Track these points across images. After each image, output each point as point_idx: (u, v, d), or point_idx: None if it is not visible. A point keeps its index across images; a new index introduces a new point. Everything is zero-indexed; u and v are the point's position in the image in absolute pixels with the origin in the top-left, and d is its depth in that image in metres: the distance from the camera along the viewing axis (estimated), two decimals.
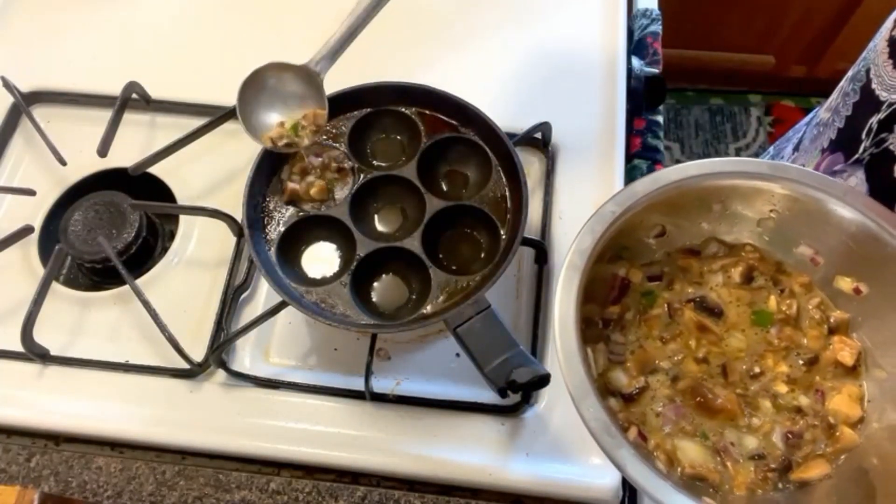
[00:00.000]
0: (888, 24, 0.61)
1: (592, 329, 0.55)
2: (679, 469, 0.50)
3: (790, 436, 0.51)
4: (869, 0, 1.66)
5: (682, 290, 0.56)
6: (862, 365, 0.53)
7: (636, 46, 0.92)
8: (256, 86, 0.70)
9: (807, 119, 0.84)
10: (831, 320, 0.54)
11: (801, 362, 0.53)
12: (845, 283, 0.54)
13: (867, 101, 0.62)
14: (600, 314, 0.56)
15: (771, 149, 0.95)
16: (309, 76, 0.69)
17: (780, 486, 0.50)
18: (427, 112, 0.75)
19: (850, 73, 0.68)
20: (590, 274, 0.51)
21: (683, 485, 0.45)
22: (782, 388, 0.52)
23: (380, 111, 0.76)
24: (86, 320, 0.75)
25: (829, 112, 0.72)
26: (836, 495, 0.49)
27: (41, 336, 0.71)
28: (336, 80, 0.74)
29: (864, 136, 0.62)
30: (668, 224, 0.57)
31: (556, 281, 0.50)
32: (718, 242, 0.58)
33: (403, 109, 0.75)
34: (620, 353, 0.55)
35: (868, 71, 0.62)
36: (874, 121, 0.60)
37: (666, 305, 0.55)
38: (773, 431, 0.51)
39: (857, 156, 0.63)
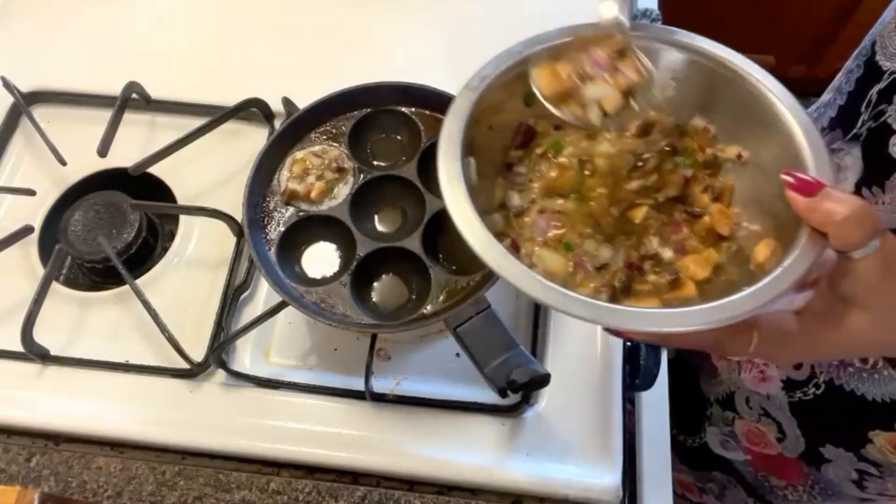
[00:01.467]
0: None
1: (493, 167, 0.56)
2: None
3: (635, 268, 0.53)
4: (869, 0, 1.66)
5: (586, 144, 0.57)
6: (730, 237, 0.54)
7: None
8: None
9: (809, 110, 0.84)
10: (717, 185, 0.55)
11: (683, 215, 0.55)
12: (731, 151, 0.55)
13: (870, 72, 0.61)
14: (503, 157, 0.57)
15: None
16: None
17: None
18: (427, 112, 0.75)
19: (855, 52, 0.67)
20: (493, 111, 0.52)
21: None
22: (653, 241, 0.54)
23: (380, 111, 0.76)
24: (86, 320, 0.75)
25: (831, 92, 0.71)
26: None
27: (41, 336, 0.71)
28: (337, 81, 0.74)
29: (863, 108, 0.61)
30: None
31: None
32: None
33: (403, 109, 0.75)
34: (521, 182, 0.56)
35: (874, 44, 0.62)
36: (874, 91, 0.60)
37: (577, 160, 0.56)
38: (622, 257, 0.53)
39: (854, 130, 0.62)
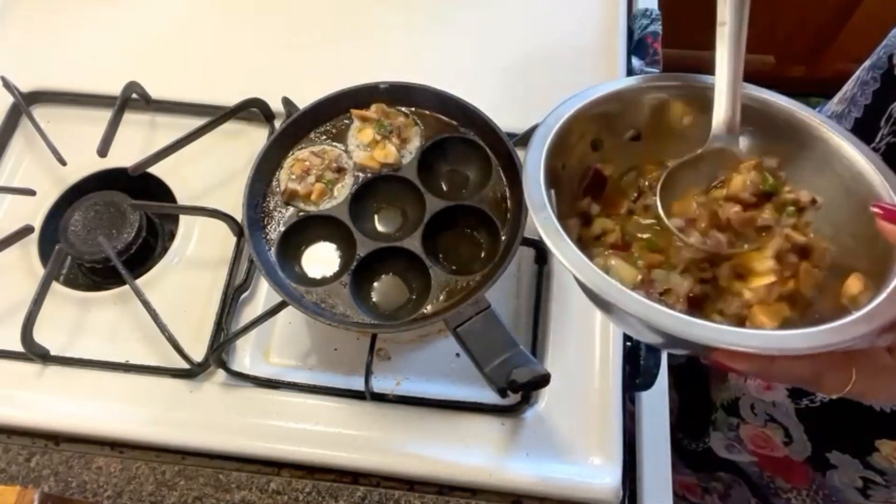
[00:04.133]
0: None
1: (565, 206, 0.56)
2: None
3: (692, 296, 0.51)
4: (869, 0, 1.66)
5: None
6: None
7: (636, 46, 0.92)
8: None
9: None
10: (811, 244, 0.53)
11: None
12: (804, 196, 0.53)
13: (888, 86, 0.61)
14: (573, 203, 0.57)
15: None
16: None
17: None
18: (427, 112, 0.75)
19: (867, 63, 0.67)
20: (565, 151, 0.52)
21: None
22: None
23: None
24: (86, 320, 0.75)
25: (843, 103, 0.71)
26: None
27: (41, 336, 0.71)
28: (337, 81, 0.74)
29: (882, 123, 0.61)
30: (643, 130, 0.57)
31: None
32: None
33: (404, 109, 0.75)
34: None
35: (890, 57, 0.61)
36: (894, 107, 0.60)
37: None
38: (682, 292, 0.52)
39: (872, 145, 0.62)
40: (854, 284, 0.47)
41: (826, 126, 0.52)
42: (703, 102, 0.54)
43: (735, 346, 0.42)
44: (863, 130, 0.65)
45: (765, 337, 0.43)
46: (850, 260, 0.50)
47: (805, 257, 0.52)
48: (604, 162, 0.57)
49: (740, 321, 0.49)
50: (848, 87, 0.71)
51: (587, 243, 0.54)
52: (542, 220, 0.47)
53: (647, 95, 0.56)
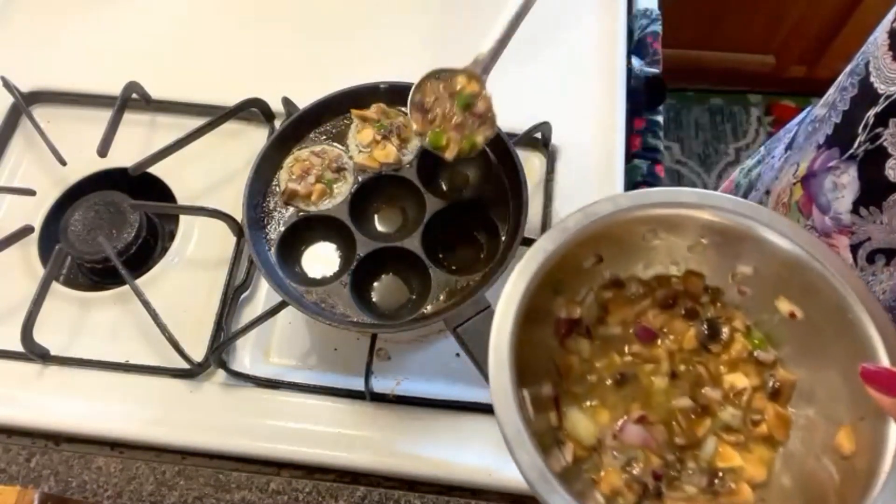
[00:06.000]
0: (889, 16, 0.60)
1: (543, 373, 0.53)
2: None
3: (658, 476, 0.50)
4: (869, 0, 1.66)
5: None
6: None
7: (636, 46, 0.92)
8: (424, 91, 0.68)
9: (798, 118, 0.84)
10: (775, 381, 0.52)
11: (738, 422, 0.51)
12: (784, 305, 0.53)
13: (865, 94, 0.61)
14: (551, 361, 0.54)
15: (762, 149, 0.94)
16: (472, 77, 0.67)
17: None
18: None
19: (848, 68, 0.67)
20: (525, 316, 0.49)
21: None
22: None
23: None
24: (86, 320, 0.75)
25: (825, 108, 0.71)
26: None
27: (41, 336, 0.71)
28: (337, 81, 0.74)
29: (860, 130, 0.61)
30: (604, 253, 0.56)
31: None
32: (638, 282, 0.57)
33: (403, 109, 0.75)
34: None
35: (867, 64, 0.62)
36: (871, 114, 0.60)
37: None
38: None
39: (851, 151, 0.62)
40: (846, 443, 0.46)
41: (833, 274, 0.49)
42: (671, 222, 0.54)
43: None
44: (841, 136, 0.65)
45: None
46: (833, 399, 0.48)
47: (775, 398, 0.51)
48: (567, 302, 0.55)
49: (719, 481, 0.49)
50: (829, 93, 0.71)
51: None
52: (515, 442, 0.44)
53: (596, 229, 0.53)
